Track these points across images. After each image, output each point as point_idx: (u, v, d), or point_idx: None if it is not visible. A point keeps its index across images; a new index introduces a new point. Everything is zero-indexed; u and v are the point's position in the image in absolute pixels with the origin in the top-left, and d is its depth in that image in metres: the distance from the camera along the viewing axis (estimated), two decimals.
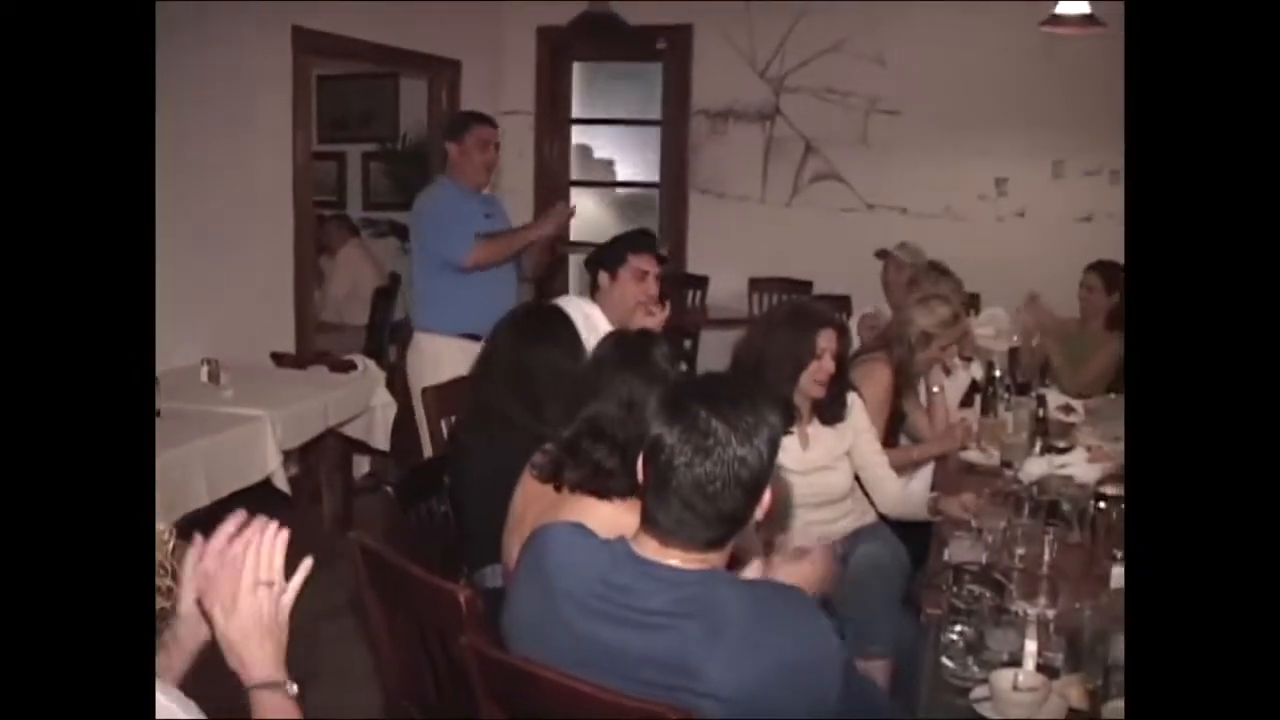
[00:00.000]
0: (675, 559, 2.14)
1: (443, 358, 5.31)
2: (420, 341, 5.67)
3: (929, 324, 4.58)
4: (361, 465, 6.96)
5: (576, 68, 9.72)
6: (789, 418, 3.88)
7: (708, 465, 2.07)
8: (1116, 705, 2.47)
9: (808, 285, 8.17)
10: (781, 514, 3.81)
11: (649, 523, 2.17)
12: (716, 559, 2.18)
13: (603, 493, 2.74)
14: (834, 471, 4.00)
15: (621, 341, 3.17)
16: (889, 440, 4.53)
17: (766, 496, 2.20)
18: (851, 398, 4.13)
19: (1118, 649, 2.59)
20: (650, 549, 2.16)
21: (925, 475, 4.50)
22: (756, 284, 8.57)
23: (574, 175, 9.75)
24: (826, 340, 3.92)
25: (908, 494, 4.15)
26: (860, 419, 4.12)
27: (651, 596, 2.11)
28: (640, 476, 2.20)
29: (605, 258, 4.73)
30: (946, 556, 3.36)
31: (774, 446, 2.15)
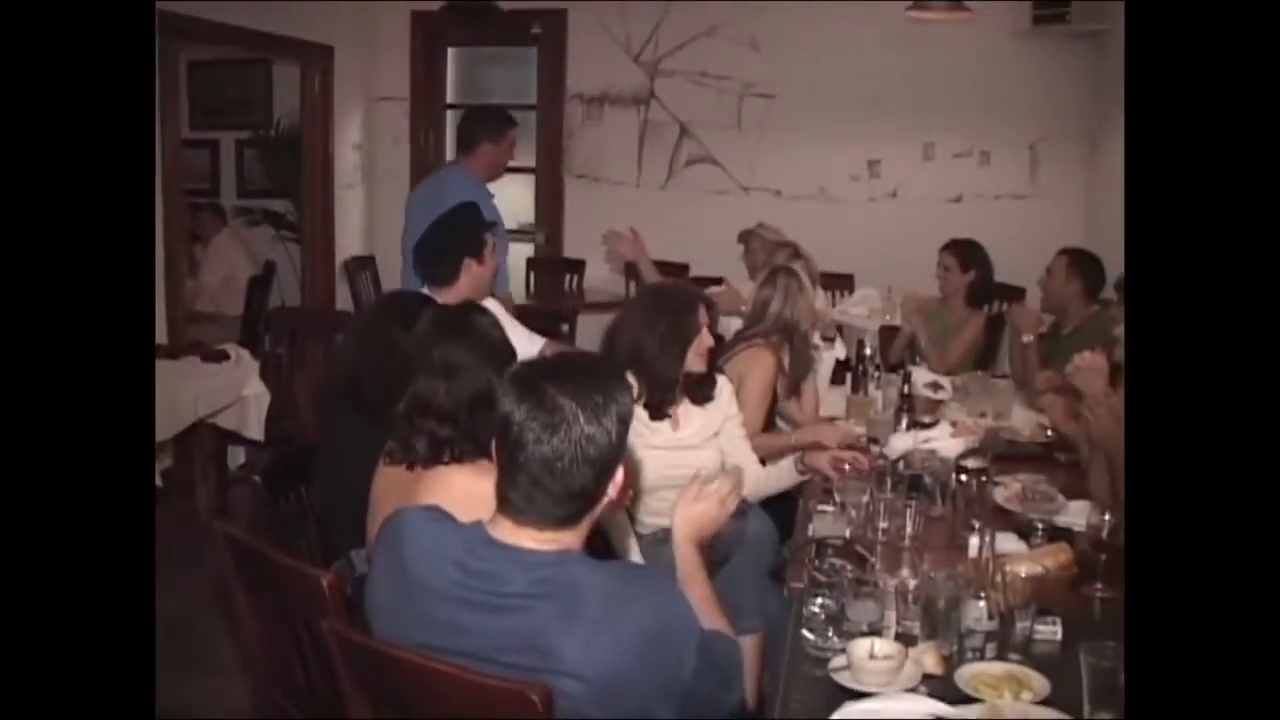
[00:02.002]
0: (530, 540, 2.16)
1: None
2: None
3: (798, 303, 4.69)
4: (238, 456, 6.89)
5: (451, 53, 9.68)
6: (669, 398, 3.93)
7: (554, 442, 2.09)
8: (969, 669, 2.55)
9: (684, 268, 8.22)
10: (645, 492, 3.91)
11: (503, 502, 2.19)
12: (571, 539, 2.20)
13: (450, 459, 2.81)
14: (704, 451, 4.04)
15: (439, 313, 3.23)
16: (767, 426, 4.60)
17: (619, 474, 2.23)
18: (721, 380, 4.18)
19: (970, 615, 2.67)
20: (505, 531, 2.18)
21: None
22: (633, 267, 8.60)
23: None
24: (703, 315, 3.99)
25: (769, 473, 4.19)
26: (730, 405, 4.17)
27: (507, 580, 2.13)
28: (494, 455, 2.22)
29: (470, 244, 4.65)
30: (810, 532, 3.42)
31: (623, 425, 2.18)
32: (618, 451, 2.18)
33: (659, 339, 3.92)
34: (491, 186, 5.98)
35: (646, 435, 3.91)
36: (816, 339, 5.14)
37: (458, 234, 4.67)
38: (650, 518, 3.96)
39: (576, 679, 2.04)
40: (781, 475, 4.09)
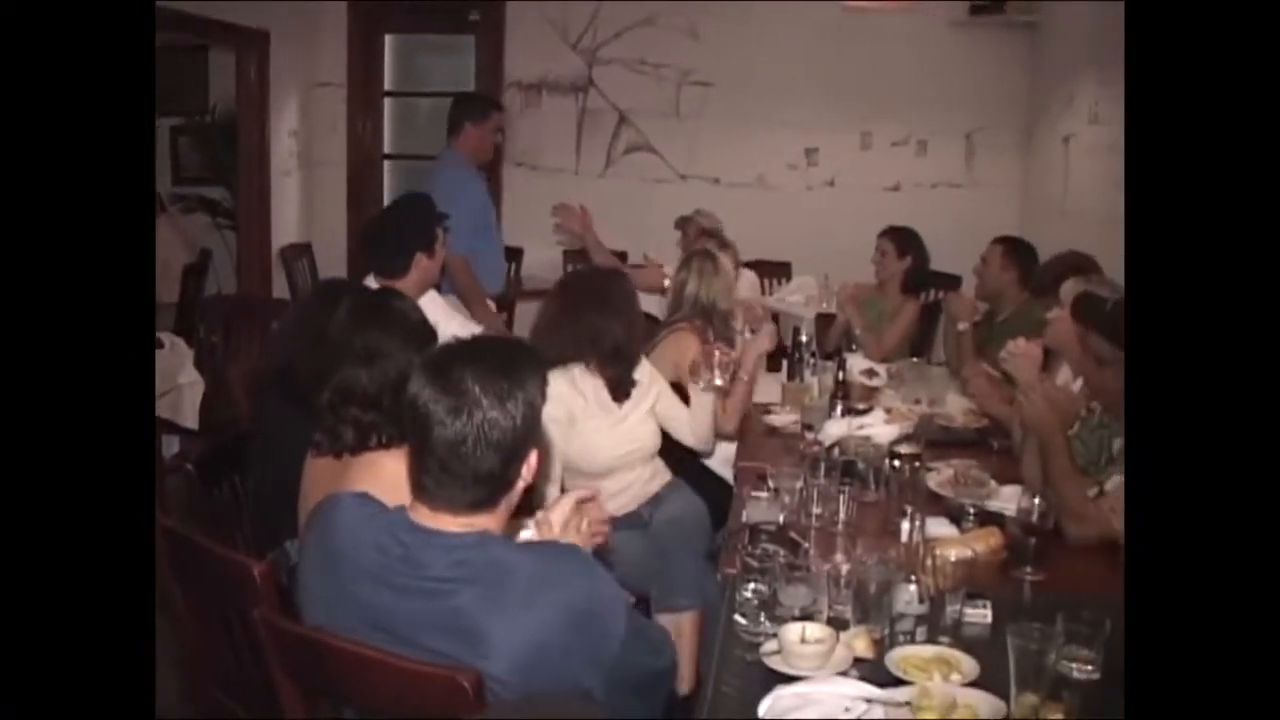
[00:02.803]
0: (449, 524, 2.16)
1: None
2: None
3: (726, 286, 4.75)
4: (172, 445, 6.82)
5: (389, 40, 9.60)
6: (630, 379, 4.01)
7: (457, 425, 2.10)
8: (899, 652, 2.57)
9: (622, 255, 8.24)
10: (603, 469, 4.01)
11: (416, 487, 2.20)
12: (488, 521, 2.20)
13: (377, 444, 2.82)
14: (645, 426, 4.15)
15: (357, 300, 3.23)
16: None
17: (533, 458, 2.23)
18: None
19: (901, 599, 2.69)
20: (424, 515, 2.18)
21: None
22: (571, 256, 8.59)
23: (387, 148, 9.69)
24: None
25: (693, 412, 4.25)
26: (656, 378, 4.26)
27: (429, 563, 2.13)
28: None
29: (425, 236, 4.61)
30: (745, 518, 3.44)
31: (530, 410, 2.17)
32: (525, 436, 2.18)
33: (623, 326, 3.99)
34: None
35: (600, 418, 3.96)
36: (748, 332, 5.14)
37: (409, 226, 4.64)
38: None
39: (504, 659, 2.04)
40: (700, 402, 4.21)
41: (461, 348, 2.26)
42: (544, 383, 2.24)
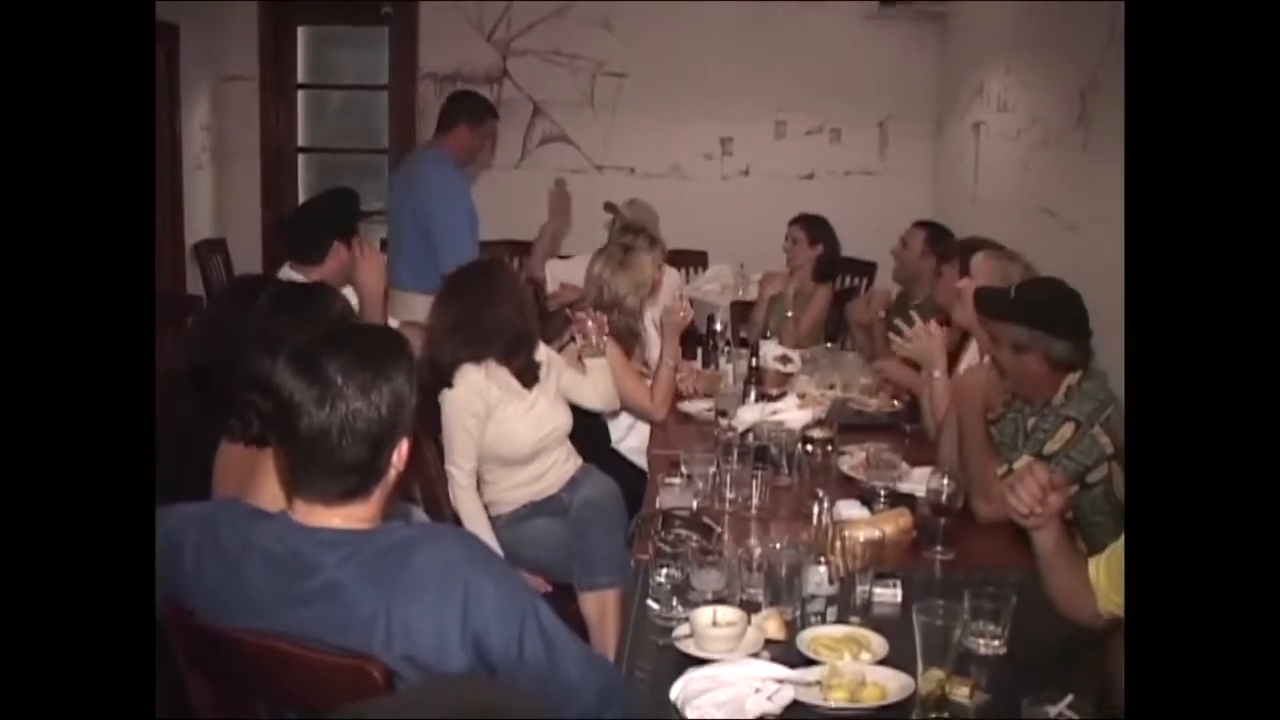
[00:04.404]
0: (329, 518, 2.13)
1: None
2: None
3: (636, 282, 4.75)
4: None
5: (301, 32, 9.51)
6: (536, 362, 4.07)
7: (322, 416, 2.06)
8: (810, 633, 2.59)
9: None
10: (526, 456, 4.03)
11: (289, 483, 2.16)
12: (365, 511, 2.17)
13: None
14: (559, 408, 4.18)
15: (277, 290, 3.20)
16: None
17: (404, 447, 2.19)
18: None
19: (811, 581, 2.71)
20: (301, 512, 2.15)
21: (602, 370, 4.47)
22: (485, 247, 8.54)
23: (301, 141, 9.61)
24: None
25: (592, 376, 4.32)
26: (556, 359, 4.29)
27: (320, 563, 2.09)
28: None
29: (342, 227, 4.56)
30: (658, 503, 3.44)
31: (396, 401, 2.13)
32: (391, 426, 2.13)
33: (517, 313, 4.02)
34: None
35: (516, 404, 3.97)
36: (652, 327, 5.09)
37: (331, 215, 4.60)
38: (517, 490, 4.08)
39: (406, 644, 2.02)
40: (594, 365, 4.31)
41: (326, 338, 2.23)
42: (411, 372, 2.19)
